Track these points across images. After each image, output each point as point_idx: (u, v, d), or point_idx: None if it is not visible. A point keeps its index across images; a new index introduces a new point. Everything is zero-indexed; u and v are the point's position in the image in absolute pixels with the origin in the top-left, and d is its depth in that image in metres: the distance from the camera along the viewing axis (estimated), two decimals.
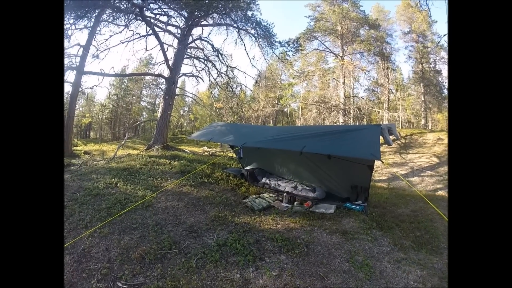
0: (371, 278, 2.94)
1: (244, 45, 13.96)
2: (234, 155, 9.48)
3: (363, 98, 24.01)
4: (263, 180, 6.58)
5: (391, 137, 4.57)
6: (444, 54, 25.15)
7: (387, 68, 25.10)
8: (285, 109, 33.38)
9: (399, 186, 9.63)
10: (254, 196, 5.58)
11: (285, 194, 5.58)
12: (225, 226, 4.08)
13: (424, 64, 25.57)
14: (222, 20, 13.31)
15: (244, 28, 13.32)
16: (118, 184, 5.44)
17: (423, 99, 25.79)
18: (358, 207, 4.97)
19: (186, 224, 4.06)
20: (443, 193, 9.65)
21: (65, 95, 13.74)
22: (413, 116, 26.94)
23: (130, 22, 12.37)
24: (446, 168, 14.21)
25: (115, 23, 12.34)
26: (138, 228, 3.77)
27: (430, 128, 25.89)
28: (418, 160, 15.90)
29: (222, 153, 13.87)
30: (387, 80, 25.18)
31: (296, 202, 5.36)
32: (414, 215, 5.08)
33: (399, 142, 18.55)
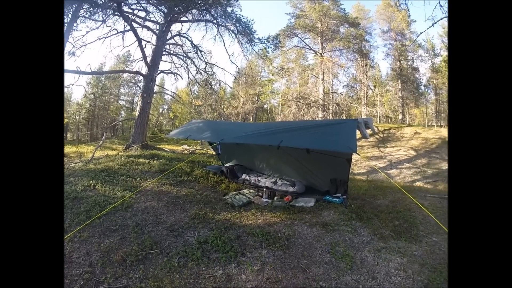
0: (352, 267, 3.01)
1: (224, 42, 13.82)
2: (214, 152, 9.42)
3: (342, 94, 24.56)
4: (243, 176, 6.58)
5: (368, 131, 4.68)
6: (422, 52, 26.22)
7: (366, 65, 25.82)
8: (265, 106, 33.49)
9: (378, 179, 9.92)
10: (234, 192, 5.57)
11: (265, 189, 5.62)
12: (206, 224, 4.06)
13: (402, 62, 26.52)
14: (201, 16, 13.08)
15: (223, 24, 13.17)
16: (97, 186, 5.27)
17: (400, 95, 26.71)
18: (337, 199, 5.08)
19: (166, 223, 4.01)
20: (421, 184, 10.08)
21: None
22: (391, 111, 27.84)
23: (108, 18, 11.87)
24: (423, 160, 14.82)
25: (92, 18, 11.82)
26: (118, 230, 3.69)
27: (407, 122, 26.82)
28: (396, 153, 16.47)
29: (202, 151, 13.74)
30: (365, 76, 25.90)
31: (276, 197, 5.41)
32: (393, 205, 5.24)
33: (377, 136, 19.14)
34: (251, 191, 5.74)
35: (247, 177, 6.45)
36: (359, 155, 4.05)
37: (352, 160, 5.42)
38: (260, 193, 5.62)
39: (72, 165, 8.19)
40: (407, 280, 2.83)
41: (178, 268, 2.93)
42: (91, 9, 11.19)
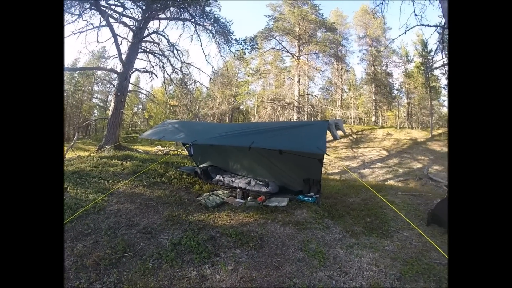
0: (325, 264, 3.10)
1: (201, 41, 13.69)
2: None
3: (317, 97, 25.14)
4: (217, 177, 6.57)
5: (339, 132, 4.84)
6: (396, 58, 27.48)
7: (341, 69, 26.68)
8: (241, 107, 33.47)
9: (351, 178, 10.18)
10: (208, 193, 5.55)
11: (238, 190, 5.64)
12: (179, 225, 4.04)
13: (376, 67, 27.60)
14: (179, 14, 12.89)
15: (201, 23, 13.08)
16: (68, 189, 5.03)
17: (374, 98, 27.80)
18: (310, 198, 5.19)
19: (139, 225, 3.95)
20: (392, 182, 10.54)
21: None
22: (364, 114, 28.89)
23: (84, 12, 11.40)
24: (394, 160, 15.53)
25: (68, 11, 11.28)
26: (91, 234, 3.57)
27: (380, 124, 27.93)
28: (369, 154, 17.12)
29: (176, 151, 13.53)
30: (340, 80, 26.71)
31: (249, 197, 5.45)
32: (364, 203, 5.45)
33: (351, 137, 19.79)
34: (225, 191, 5.75)
35: (221, 178, 6.45)
36: (328, 155, 4.20)
37: (326, 161, 5.62)
38: (234, 194, 5.64)
39: None
40: (379, 274, 2.95)
41: (152, 271, 2.91)
42: (68, 1, 10.72)
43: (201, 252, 3.27)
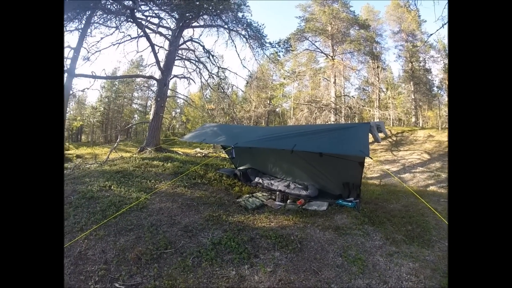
0: (364, 271, 2.99)
1: (235, 46, 14.03)
2: (226, 155, 9.52)
3: (354, 97, 24.23)
4: (256, 179, 6.66)
5: (380, 134, 4.66)
6: (434, 53, 25.66)
7: (378, 67, 25.42)
8: (277, 109, 33.40)
9: (391, 183, 9.76)
10: (248, 195, 5.63)
11: (278, 192, 5.65)
12: (220, 225, 4.12)
13: (413, 63, 25.97)
14: (213, 21, 13.30)
15: (234, 29, 13.35)
16: (112, 187, 5.42)
17: (413, 97, 26.19)
18: (350, 203, 5.05)
19: (181, 224, 4.09)
20: (435, 188, 9.84)
21: None
22: (404, 114, 27.32)
23: (121, 24, 12.27)
24: (437, 164, 14.48)
25: (106, 25, 12.20)
26: (134, 230, 3.78)
27: (420, 125, 26.25)
28: (409, 157, 16.15)
29: (214, 154, 13.86)
30: (377, 79, 25.51)
31: (289, 200, 5.42)
32: (406, 210, 5.19)
33: (390, 139, 18.85)
34: (264, 194, 5.79)
35: (260, 181, 6.53)
36: (371, 158, 4.04)
37: (365, 164, 5.40)
38: (273, 196, 5.65)
39: (88, 166, 8.39)
40: (418, 285, 2.81)
41: (192, 268, 3.00)
42: (105, 15, 11.56)
43: (240, 252, 3.31)
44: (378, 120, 21.94)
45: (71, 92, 12.37)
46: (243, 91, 23.81)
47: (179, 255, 3.24)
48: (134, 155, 10.19)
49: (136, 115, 37.42)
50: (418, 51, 25.45)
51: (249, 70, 17.45)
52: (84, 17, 11.18)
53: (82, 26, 11.51)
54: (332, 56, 22.76)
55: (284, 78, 26.79)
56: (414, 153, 16.68)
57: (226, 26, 13.15)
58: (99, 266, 2.94)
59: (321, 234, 3.92)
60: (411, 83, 26.02)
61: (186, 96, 18.14)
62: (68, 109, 15.07)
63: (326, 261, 3.23)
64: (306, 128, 5.64)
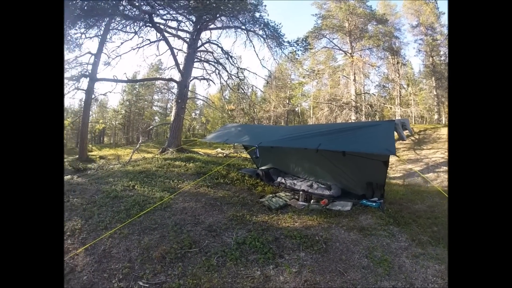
0: (390, 273, 2.94)
1: (254, 47, 14.02)
2: (248, 155, 9.54)
3: (375, 95, 23.56)
4: (279, 179, 6.63)
5: (405, 132, 4.53)
6: None
7: (397, 63, 24.58)
8: (296, 109, 33.15)
9: (415, 183, 9.52)
10: (271, 195, 5.61)
11: (301, 192, 5.59)
12: (244, 225, 4.14)
13: (434, 57, 24.91)
14: (230, 22, 13.42)
15: (252, 29, 13.38)
16: (136, 187, 5.58)
17: (435, 93, 25.14)
18: (374, 203, 4.95)
19: (204, 223, 4.13)
20: None
21: (79, 102, 14.08)
22: (426, 111, 26.33)
23: (140, 29, 12.66)
24: None
25: (124, 30, 12.65)
26: (158, 229, 3.85)
27: (443, 122, 25.16)
28: (433, 156, 15.56)
29: (235, 154, 13.95)
30: (397, 75, 24.70)
31: (312, 200, 5.37)
32: (431, 210, 5.05)
33: (412, 137, 18.22)
34: (287, 194, 5.75)
35: (283, 180, 6.50)
36: (398, 157, 3.94)
37: (389, 163, 5.25)
38: (296, 196, 5.61)
39: (111, 166, 8.72)
40: (444, 287, 2.74)
41: (216, 267, 3.01)
42: (123, 21, 11.93)
43: (265, 252, 3.29)
44: (400, 117, 21.28)
45: (93, 96, 12.81)
46: (262, 91, 23.81)
47: (203, 255, 3.27)
48: (156, 156, 10.45)
49: (156, 117, 38.43)
50: (438, 44, 24.39)
51: (268, 70, 17.31)
52: (103, 23, 11.60)
53: (102, 32, 11.96)
54: (350, 53, 22.29)
55: (304, 77, 26.48)
56: (437, 152, 16.04)
57: (243, 27, 13.21)
58: (123, 264, 2.99)
59: (346, 235, 3.86)
60: (433, 78, 24.92)
61: (206, 97, 18.37)
62: (90, 112, 15.64)
63: (351, 262, 3.17)
64: (329, 127, 5.54)
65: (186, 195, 5.31)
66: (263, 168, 7.64)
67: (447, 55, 25.03)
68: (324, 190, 5.73)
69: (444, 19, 24.64)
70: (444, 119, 26.37)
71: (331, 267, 3.07)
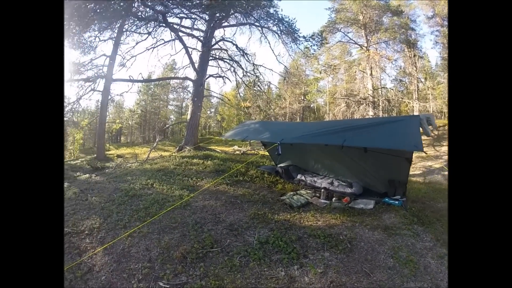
0: (416, 274, 2.87)
1: (269, 42, 13.85)
2: (266, 153, 9.47)
3: (392, 89, 22.94)
4: (298, 176, 6.53)
5: (430, 127, 4.35)
6: None
7: (414, 55, 23.75)
8: (312, 105, 32.68)
9: (436, 181, 9.44)
10: (292, 193, 5.53)
11: (322, 190, 5.49)
12: (266, 224, 4.07)
13: None
14: (244, 19, 13.34)
15: (266, 25, 13.25)
16: (154, 185, 5.60)
17: None
18: (397, 202, 4.82)
19: (225, 222, 4.09)
20: None
21: (96, 103, 14.37)
22: (445, 106, 25.37)
23: (154, 29, 12.79)
24: None
25: (138, 32, 12.81)
26: (178, 227, 3.81)
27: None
28: None
29: (253, 151, 13.93)
30: (415, 68, 23.88)
31: (334, 198, 5.27)
32: None
33: (432, 133, 17.63)
34: (308, 191, 5.67)
35: (303, 178, 6.40)
36: (426, 153, 3.79)
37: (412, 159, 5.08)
38: (317, 194, 5.51)
39: (129, 165, 8.84)
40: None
41: (239, 268, 2.96)
42: (137, 22, 12.07)
43: (289, 252, 3.23)
44: (418, 112, 20.63)
45: (109, 97, 13.04)
46: (277, 87, 23.57)
47: (225, 254, 3.21)
48: (173, 154, 10.56)
49: (172, 116, 39.00)
50: None
51: (284, 66, 16.90)
52: (117, 26, 11.77)
53: (115, 35, 12.16)
54: (366, 47, 21.76)
55: (320, 73, 26.06)
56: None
57: (257, 24, 13.09)
58: (142, 264, 2.96)
59: (370, 234, 3.76)
60: None
61: (222, 95, 18.34)
62: (107, 113, 15.99)
63: (377, 262, 3.09)
64: (352, 123, 5.40)
65: (206, 193, 5.30)
66: (282, 165, 7.55)
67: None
68: (346, 188, 5.60)
69: None
70: None
71: (357, 267, 3.00)
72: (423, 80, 27.06)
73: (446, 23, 24.00)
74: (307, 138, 4.93)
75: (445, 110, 25.66)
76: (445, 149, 15.89)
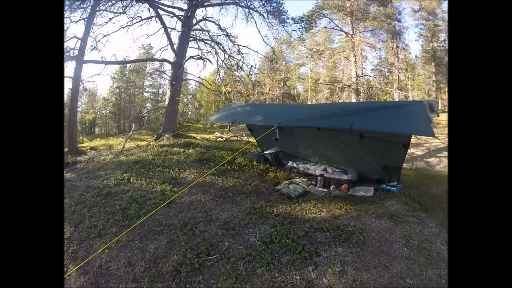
0: (431, 262, 2.76)
1: (256, 22, 13.12)
2: (252, 139, 8.92)
3: (375, 78, 23.35)
4: (289, 163, 6.11)
5: (432, 114, 4.22)
6: None
7: (397, 46, 24.37)
8: (292, 92, 32.77)
9: (421, 167, 9.81)
10: (286, 181, 5.11)
11: (319, 178, 5.15)
12: (265, 219, 3.56)
13: (435, 43, 24.80)
14: None
15: (252, 6, 12.52)
16: (131, 179, 4.87)
17: (434, 79, 25.12)
18: (395, 188, 4.72)
19: (219, 220, 3.51)
20: None
21: (66, 91, 12.94)
22: (424, 96, 26.26)
23: (129, 5, 11.68)
24: None
25: (111, 10, 11.64)
26: (163, 232, 3.17)
27: (441, 108, 25.19)
28: (433, 141, 15.51)
29: (235, 137, 13.40)
30: (397, 59, 24.48)
31: (332, 186, 4.98)
32: None
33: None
34: (303, 179, 5.29)
35: (294, 165, 5.98)
36: (438, 138, 3.56)
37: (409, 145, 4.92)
38: (313, 182, 5.18)
39: (102, 157, 7.82)
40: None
41: (246, 277, 2.47)
42: (111, 1, 10.97)
43: (299, 251, 2.81)
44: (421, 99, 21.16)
45: (81, 83, 11.68)
46: (260, 71, 22.97)
47: (226, 262, 2.69)
48: (151, 143, 9.83)
49: (148, 104, 37.34)
50: (439, 30, 24.21)
51: (271, 47, 15.85)
52: (89, 5, 10.65)
53: (88, 15, 10.99)
54: (351, 34, 21.75)
55: (307, 57, 25.87)
56: (438, 136, 15.89)
57: (243, 4, 12.30)
58: (126, 284, 2.39)
59: (378, 223, 3.50)
60: (432, 64, 24.91)
61: (202, 79, 17.39)
62: (79, 103, 14.66)
63: (393, 253, 2.89)
64: (356, 106, 5.14)
65: (192, 186, 4.57)
66: (270, 151, 7.07)
67: (447, 41, 24.87)
68: (341, 175, 5.33)
69: (446, 5, 24.35)
70: (441, 105, 26.41)
71: (375, 261, 2.74)
72: (403, 71, 27.89)
73: (431, 17, 24.92)
74: (309, 120, 4.43)
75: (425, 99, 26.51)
76: (425, 137, 16.30)
